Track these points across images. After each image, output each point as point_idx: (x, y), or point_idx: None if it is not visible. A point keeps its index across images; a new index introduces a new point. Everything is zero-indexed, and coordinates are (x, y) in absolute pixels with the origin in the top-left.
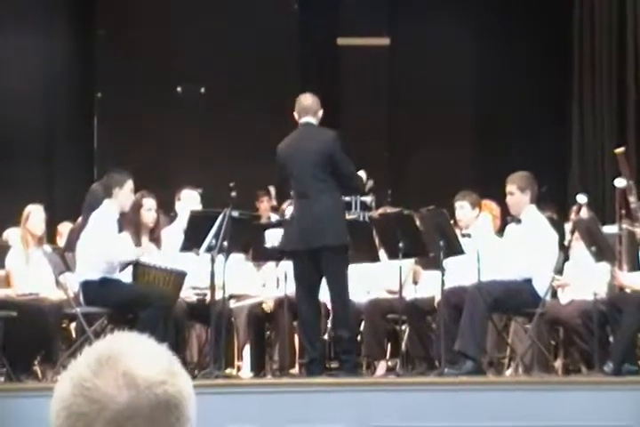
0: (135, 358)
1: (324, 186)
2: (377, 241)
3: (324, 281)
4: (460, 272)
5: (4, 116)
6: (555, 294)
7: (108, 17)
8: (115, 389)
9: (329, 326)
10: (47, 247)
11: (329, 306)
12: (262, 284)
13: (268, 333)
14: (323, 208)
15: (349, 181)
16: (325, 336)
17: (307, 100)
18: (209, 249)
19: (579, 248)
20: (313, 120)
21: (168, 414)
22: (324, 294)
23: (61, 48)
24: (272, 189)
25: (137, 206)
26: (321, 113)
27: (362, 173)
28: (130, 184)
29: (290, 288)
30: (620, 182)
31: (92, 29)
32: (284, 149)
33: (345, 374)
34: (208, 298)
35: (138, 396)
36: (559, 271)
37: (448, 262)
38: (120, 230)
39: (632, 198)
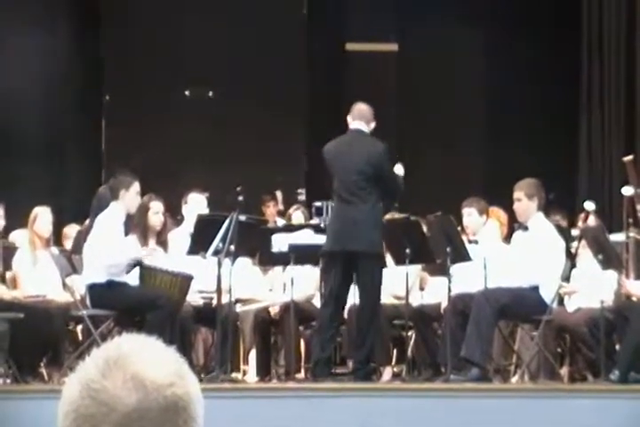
0: (143, 361)
1: (365, 194)
2: (384, 247)
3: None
4: (466, 279)
5: (12, 118)
6: (561, 302)
7: (116, 20)
8: (123, 391)
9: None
10: (54, 249)
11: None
12: (269, 288)
13: (274, 337)
14: (362, 215)
15: (392, 197)
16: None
17: (364, 106)
18: (216, 253)
19: (586, 256)
20: (365, 128)
21: (176, 417)
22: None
23: (69, 51)
24: (279, 194)
25: (144, 209)
26: (373, 125)
27: (399, 169)
28: (136, 186)
29: (296, 293)
30: (627, 190)
31: (101, 32)
32: (331, 150)
33: (357, 380)
34: (214, 302)
35: (146, 398)
36: (566, 279)
37: (455, 269)
38: (127, 233)
39: (639, 207)
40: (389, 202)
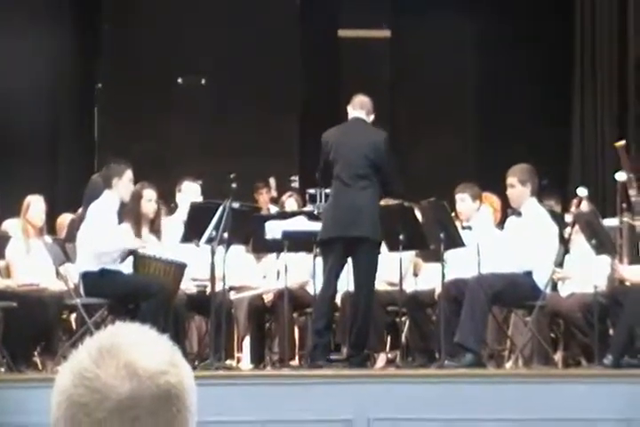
0: (137, 349)
1: (366, 182)
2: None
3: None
4: (460, 265)
5: (5, 108)
6: (555, 287)
7: (110, 9)
8: (116, 379)
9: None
10: (47, 238)
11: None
12: (262, 275)
13: (268, 324)
14: (362, 202)
15: (390, 184)
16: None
17: (365, 98)
18: (209, 240)
19: (579, 241)
20: (365, 118)
21: (169, 405)
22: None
23: (62, 39)
24: (272, 181)
25: (137, 197)
26: (373, 117)
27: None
28: (129, 174)
29: (290, 280)
30: (620, 176)
31: (94, 21)
32: (330, 137)
33: (352, 367)
34: (208, 289)
35: (139, 386)
36: (559, 264)
37: (448, 255)
38: (120, 221)
39: (632, 192)
40: (387, 193)
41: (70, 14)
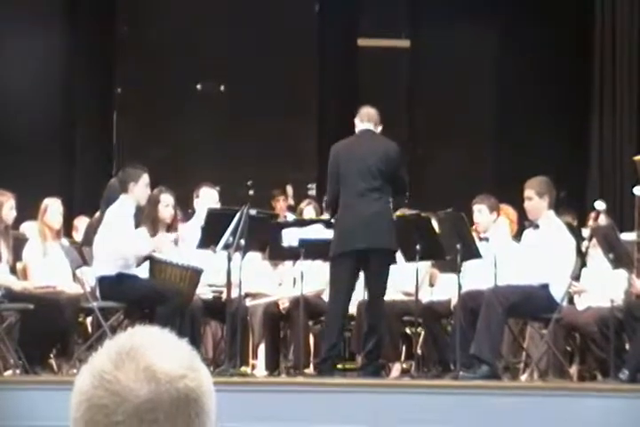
0: (156, 352)
1: (379, 193)
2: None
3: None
4: (476, 276)
5: (24, 110)
6: (571, 300)
7: (129, 14)
8: (135, 382)
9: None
10: (64, 241)
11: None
12: (278, 283)
13: (283, 332)
14: (379, 211)
15: (402, 196)
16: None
17: (372, 109)
18: (226, 247)
19: (596, 255)
20: (374, 129)
21: (188, 409)
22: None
23: (82, 44)
24: (289, 189)
25: (154, 202)
26: (380, 128)
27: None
28: (145, 178)
29: (306, 288)
30: (638, 190)
31: (113, 26)
32: (341, 149)
33: (366, 376)
34: (224, 296)
35: (158, 390)
36: (576, 277)
37: (465, 266)
38: (137, 226)
39: None
40: (399, 201)
41: (88, 18)
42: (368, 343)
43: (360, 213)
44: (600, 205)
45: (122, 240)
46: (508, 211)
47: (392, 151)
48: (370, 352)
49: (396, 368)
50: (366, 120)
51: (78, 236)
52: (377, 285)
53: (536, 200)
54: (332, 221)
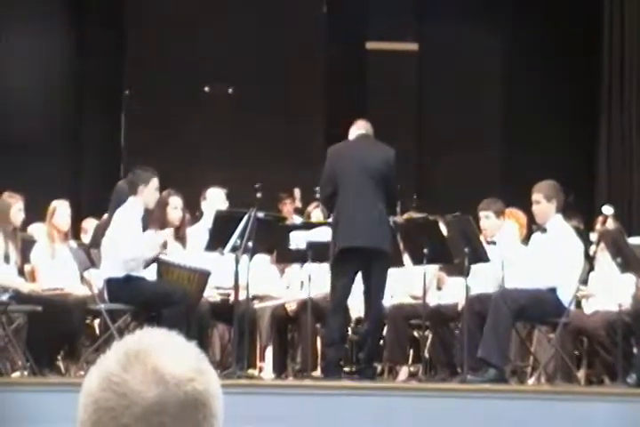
0: (164, 355)
1: (376, 195)
2: (401, 246)
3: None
4: (484, 280)
5: (33, 112)
6: (579, 304)
7: (138, 16)
8: (143, 385)
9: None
10: (72, 243)
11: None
12: (286, 285)
13: (291, 334)
14: (376, 214)
15: (394, 201)
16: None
17: (367, 122)
18: (233, 249)
19: (604, 259)
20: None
21: (195, 412)
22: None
23: (91, 46)
24: (297, 192)
25: (163, 204)
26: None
27: None
28: (155, 182)
29: (313, 291)
30: (607, 209)
31: (121, 27)
32: (338, 152)
33: (363, 379)
34: (231, 298)
35: (166, 392)
36: (584, 281)
37: (473, 269)
38: (145, 228)
39: None
40: (389, 207)
41: (96, 20)
42: (365, 347)
43: (359, 213)
44: (608, 209)
45: (130, 242)
46: (518, 215)
47: (391, 157)
48: (367, 356)
49: (404, 371)
50: (362, 129)
51: (86, 238)
52: (377, 288)
53: (544, 204)
54: (330, 220)
